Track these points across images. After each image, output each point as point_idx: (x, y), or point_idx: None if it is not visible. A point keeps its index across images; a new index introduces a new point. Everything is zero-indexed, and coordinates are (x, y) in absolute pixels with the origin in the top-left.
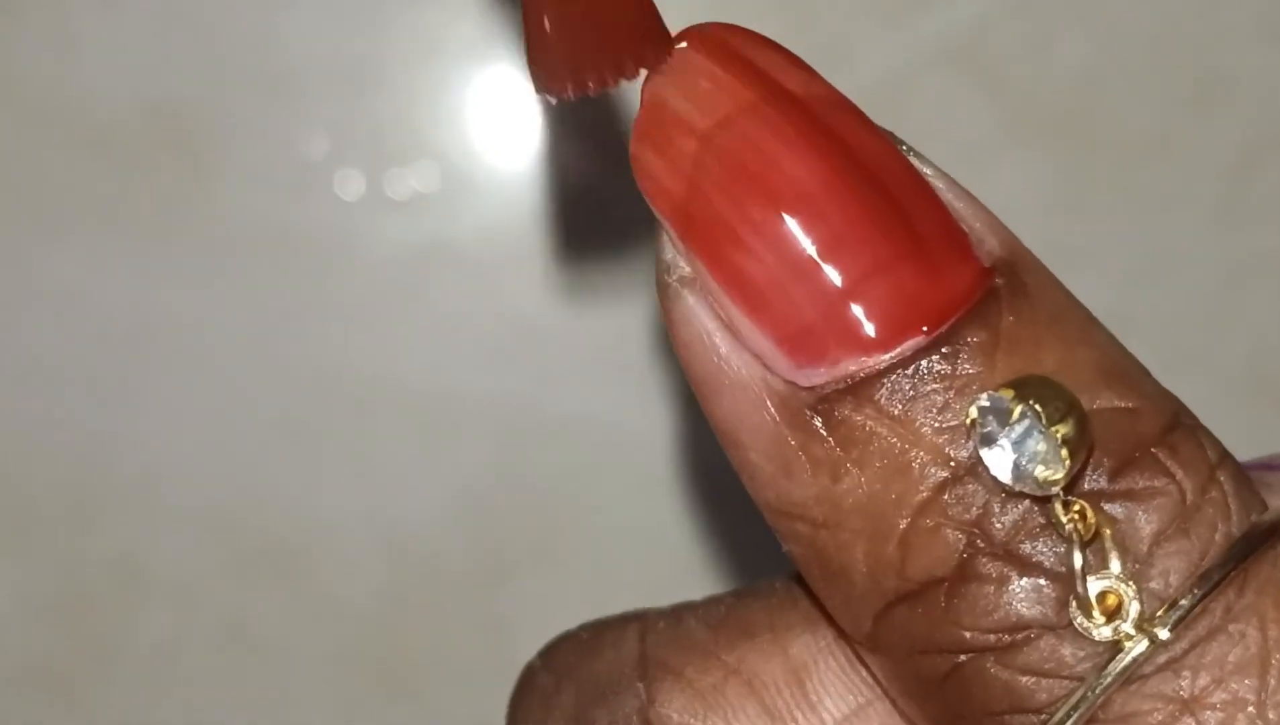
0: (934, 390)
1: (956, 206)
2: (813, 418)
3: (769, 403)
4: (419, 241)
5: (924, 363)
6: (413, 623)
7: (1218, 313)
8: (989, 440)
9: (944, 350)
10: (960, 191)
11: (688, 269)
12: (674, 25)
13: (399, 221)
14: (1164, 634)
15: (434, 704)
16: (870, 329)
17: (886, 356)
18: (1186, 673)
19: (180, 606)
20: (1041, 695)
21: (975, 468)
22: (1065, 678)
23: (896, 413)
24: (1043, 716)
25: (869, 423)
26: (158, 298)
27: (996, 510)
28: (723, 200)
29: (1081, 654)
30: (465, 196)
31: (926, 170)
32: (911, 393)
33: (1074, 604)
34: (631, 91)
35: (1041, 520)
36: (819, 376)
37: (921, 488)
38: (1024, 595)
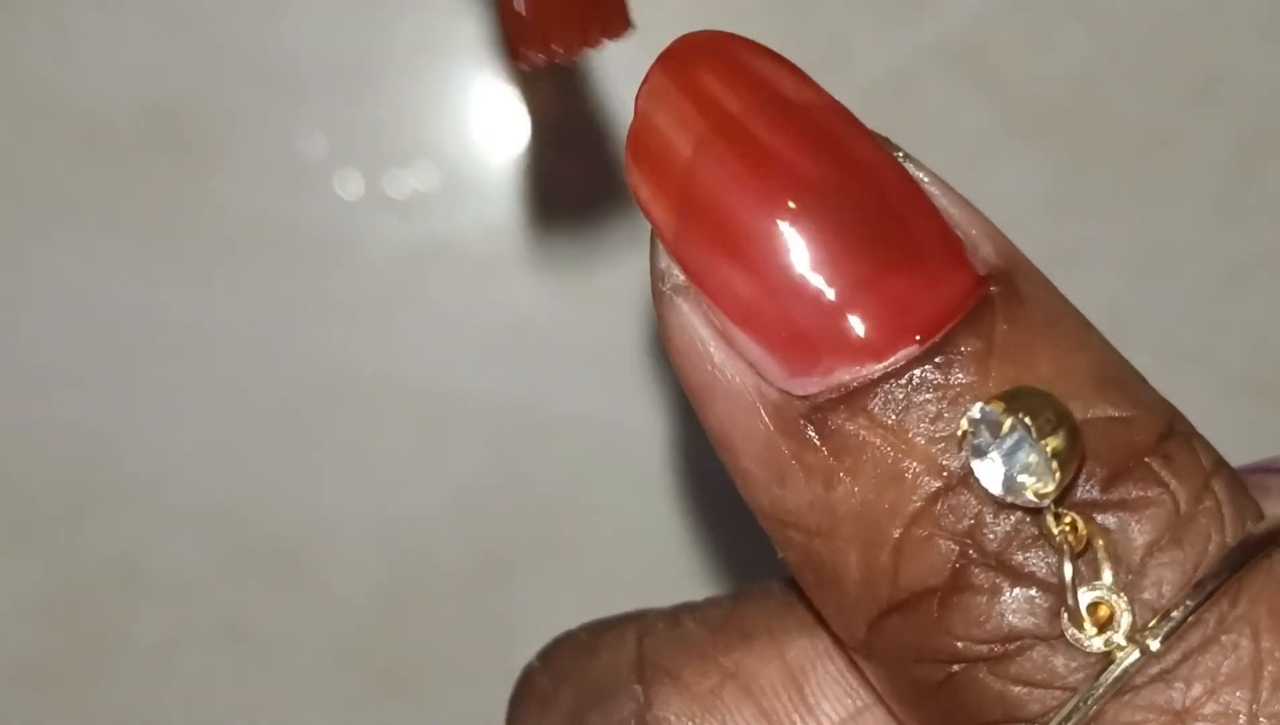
0: (927, 400)
1: (952, 213)
2: (806, 426)
3: (762, 411)
4: (418, 241)
5: (917, 372)
6: (411, 622)
7: (1218, 311)
8: (980, 452)
9: (937, 359)
10: (956, 197)
11: (681, 277)
12: (677, 27)
13: (398, 221)
14: (1156, 645)
15: (432, 704)
16: (863, 338)
17: (880, 366)
18: (1179, 684)
19: (179, 605)
20: (1034, 705)
21: (968, 478)
22: (1058, 688)
23: (890, 422)
24: None
25: (862, 432)
26: (156, 296)
27: (989, 520)
28: (712, 212)
29: (1074, 664)
30: (465, 196)
31: (922, 176)
32: (905, 402)
33: (1065, 615)
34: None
35: (1034, 531)
36: (812, 385)
37: (914, 497)
38: (1016, 606)
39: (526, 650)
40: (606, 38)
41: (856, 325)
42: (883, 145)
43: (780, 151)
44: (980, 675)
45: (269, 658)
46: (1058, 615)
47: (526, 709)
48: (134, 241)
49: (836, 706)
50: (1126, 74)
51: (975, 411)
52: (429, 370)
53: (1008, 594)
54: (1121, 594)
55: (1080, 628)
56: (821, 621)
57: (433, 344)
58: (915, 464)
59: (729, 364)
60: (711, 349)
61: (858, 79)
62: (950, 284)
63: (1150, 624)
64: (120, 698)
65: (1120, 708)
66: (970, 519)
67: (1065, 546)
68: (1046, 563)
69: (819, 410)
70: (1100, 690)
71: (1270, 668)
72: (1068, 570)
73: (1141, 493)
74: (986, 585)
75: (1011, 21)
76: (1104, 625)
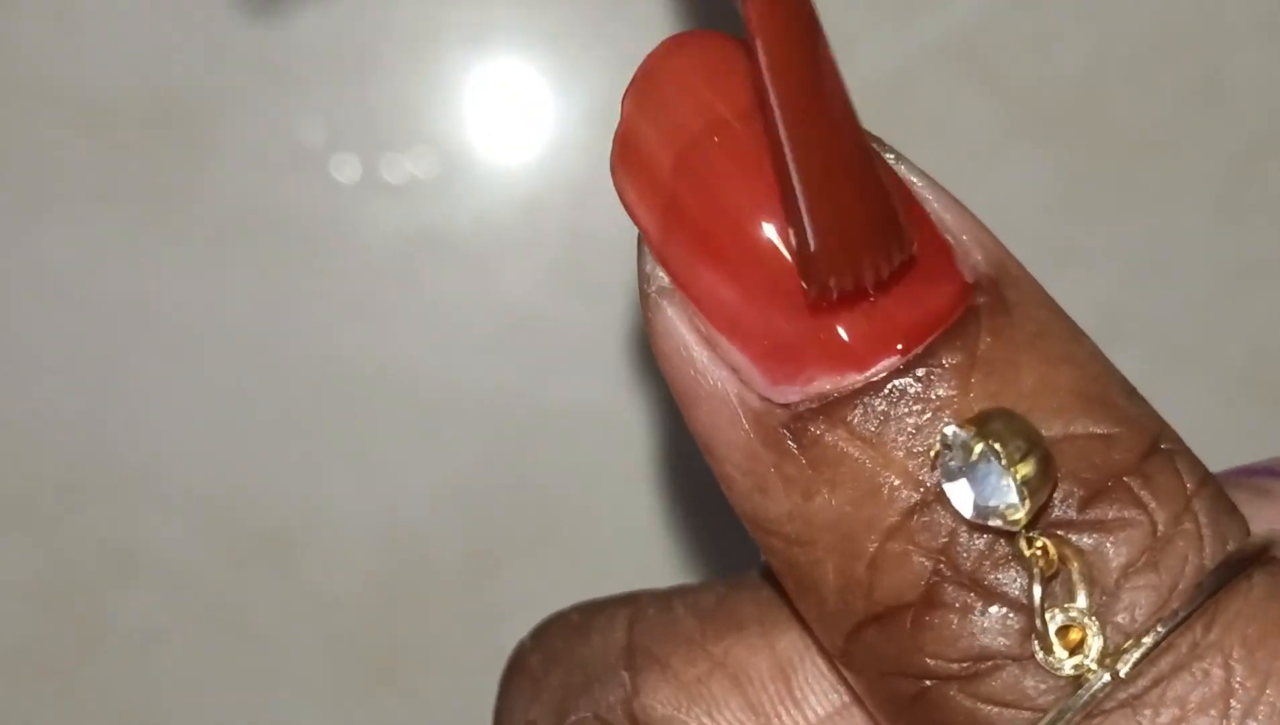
0: (907, 413)
1: (944, 218)
2: (786, 435)
3: (744, 418)
4: (415, 228)
5: (898, 384)
6: (403, 612)
7: (1218, 311)
8: (952, 474)
9: (919, 372)
10: (949, 201)
11: (667, 281)
12: (672, 26)
13: (395, 207)
14: (1125, 670)
15: (423, 692)
16: (845, 347)
17: (861, 376)
18: (1148, 710)
19: (170, 593)
20: None
21: (943, 495)
22: (1027, 709)
23: (868, 434)
24: None
25: (841, 443)
26: (153, 282)
27: (963, 539)
28: (697, 218)
29: (1044, 686)
30: (462, 184)
31: (914, 179)
32: (884, 414)
33: (1036, 637)
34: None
35: (1008, 550)
36: (794, 393)
37: (891, 512)
38: (988, 625)
39: (516, 639)
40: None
41: (838, 334)
42: (875, 146)
43: (760, 160)
44: (952, 693)
45: (260, 646)
46: (1029, 636)
47: (517, 687)
48: (132, 225)
49: (823, 701)
50: (1128, 75)
51: (948, 432)
52: (424, 359)
53: (979, 613)
54: (1094, 617)
55: (1050, 650)
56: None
57: (428, 333)
58: (893, 478)
59: (712, 369)
60: (695, 354)
61: (860, 76)
62: (936, 293)
63: (1122, 649)
64: (111, 683)
65: None
66: (945, 536)
67: (1036, 569)
68: (1019, 583)
69: (799, 419)
70: (1069, 714)
71: (1239, 697)
72: (1037, 593)
73: (1119, 514)
74: (959, 604)
75: (1013, 21)
76: (1075, 648)
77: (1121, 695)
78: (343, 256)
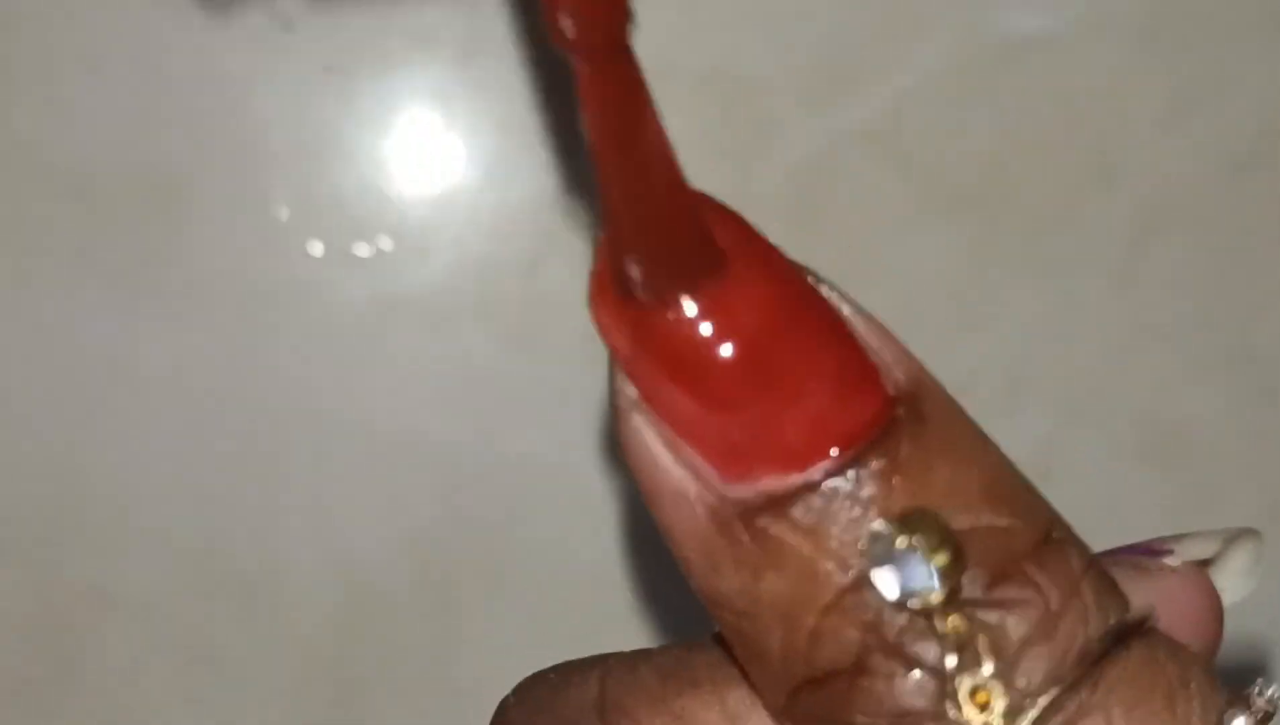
0: (840, 508)
1: (870, 341)
2: (737, 526)
3: (701, 511)
4: (377, 293)
5: (831, 484)
6: (364, 648)
7: (1112, 374)
8: (879, 563)
9: (849, 473)
10: (874, 326)
11: (635, 394)
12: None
13: (359, 275)
14: None
15: (381, 722)
16: (788, 452)
17: (800, 477)
18: None
19: (146, 628)
20: None
21: (871, 581)
22: None
23: (808, 526)
24: None
25: (784, 534)
26: (131, 339)
27: (888, 616)
28: (660, 346)
29: None
30: (421, 253)
31: (845, 308)
32: (821, 510)
33: (949, 699)
34: None
35: (926, 625)
36: (744, 491)
37: (827, 592)
38: (910, 689)
39: (471, 676)
40: None
41: (783, 440)
42: (808, 280)
43: (719, 297)
44: None
45: (229, 680)
46: (944, 698)
47: None
48: (113, 286)
49: None
50: (1031, 155)
51: (876, 527)
52: (383, 413)
53: (902, 678)
54: (998, 681)
55: (961, 710)
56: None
57: (388, 389)
58: (828, 564)
59: (674, 470)
60: (659, 457)
61: (784, 159)
62: (863, 406)
63: (1022, 707)
64: (89, 715)
65: None
66: (872, 614)
67: (950, 640)
68: (935, 653)
69: (748, 512)
70: None
71: None
72: (950, 661)
73: (1018, 594)
74: (885, 670)
75: (925, 107)
76: (983, 708)
77: None
78: (309, 318)
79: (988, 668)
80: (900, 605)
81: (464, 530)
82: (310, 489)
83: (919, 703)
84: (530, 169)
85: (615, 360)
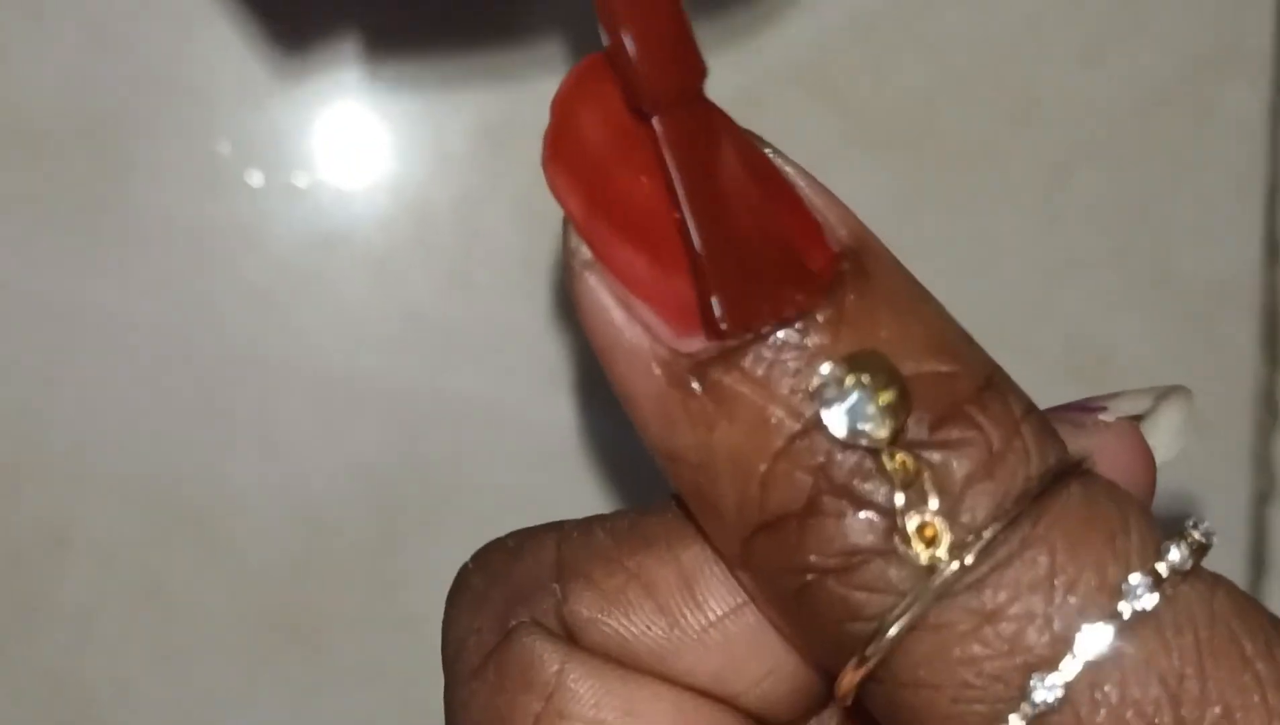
0: (789, 358)
1: (813, 201)
2: (691, 380)
3: (655, 367)
4: (321, 233)
5: (781, 335)
6: (316, 583)
7: (1037, 304)
8: (828, 403)
9: (797, 325)
10: (817, 187)
11: (589, 254)
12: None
13: (302, 214)
14: (970, 559)
15: (336, 655)
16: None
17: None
18: (988, 590)
19: (102, 569)
20: (872, 608)
21: (820, 423)
22: (892, 594)
23: (758, 376)
24: (873, 624)
25: (736, 385)
26: (81, 285)
27: (837, 458)
28: (616, 206)
29: (905, 575)
30: (359, 191)
31: (788, 169)
32: (770, 360)
33: (898, 535)
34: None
35: (873, 465)
36: (696, 345)
37: (777, 439)
38: (858, 527)
39: (420, 606)
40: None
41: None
42: (754, 142)
43: (662, 164)
44: (829, 583)
45: (185, 617)
46: (892, 535)
47: (462, 603)
48: (61, 235)
49: (721, 603)
50: (956, 92)
51: (824, 370)
52: (331, 353)
53: (851, 517)
54: (944, 517)
55: (909, 545)
56: (708, 536)
57: (332, 328)
58: (779, 411)
59: (627, 327)
60: (613, 315)
61: (711, 95)
62: (809, 262)
63: (966, 542)
64: (47, 655)
65: (941, 610)
66: (822, 456)
67: (897, 479)
68: (883, 492)
69: (701, 366)
70: (925, 595)
71: (1061, 578)
72: (899, 498)
73: (961, 434)
74: (834, 511)
75: (852, 45)
76: (930, 543)
77: (968, 580)
78: (254, 257)
79: (934, 504)
80: (849, 445)
81: (411, 466)
82: (260, 428)
83: (868, 539)
84: (471, 102)
85: (570, 221)
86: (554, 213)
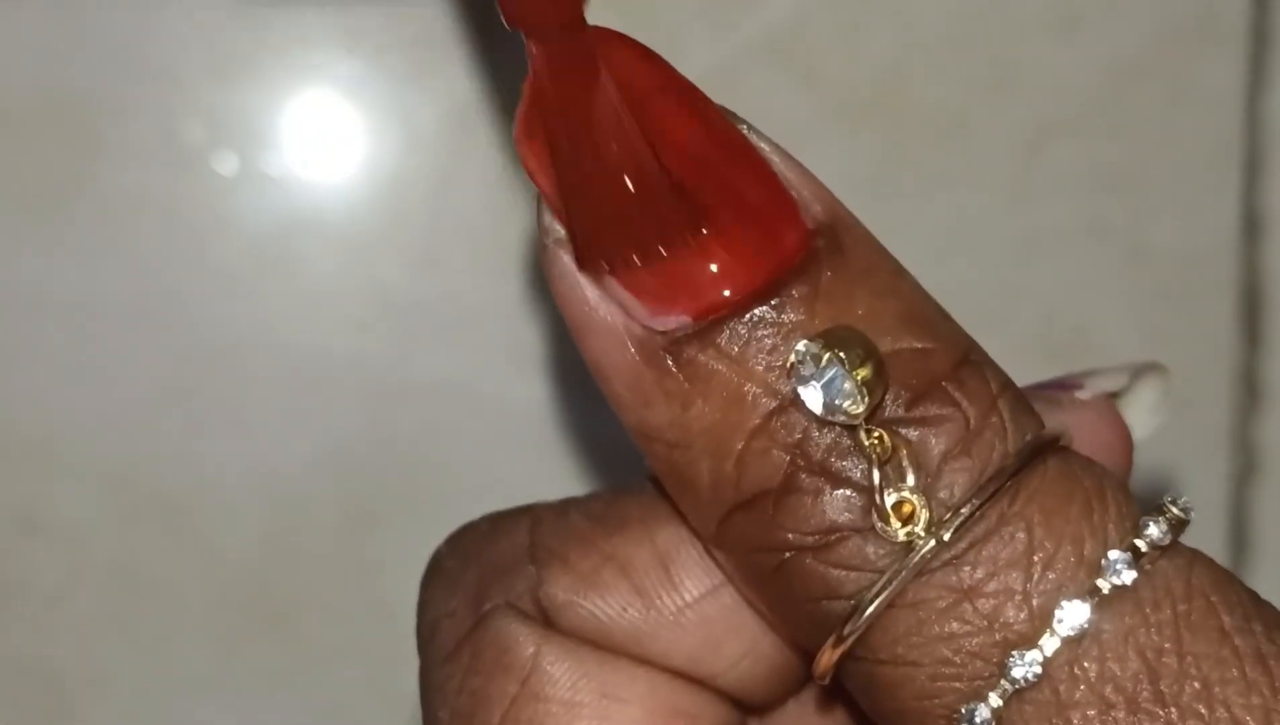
0: (764, 335)
1: (788, 176)
2: (665, 357)
3: (630, 344)
4: (290, 216)
5: (756, 311)
6: (287, 567)
7: (1011, 279)
8: (805, 380)
9: (773, 301)
10: (792, 162)
11: (563, 231)
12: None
13: (271, 197)
14: (948, 536)
15: (307, 639)
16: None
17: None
18: (966, 567)
19: (73, 553)
20: (849, 585)
21: (797, 400)
22: (869, 571)
23: (733, 353)
24: (851, 602)
25: (711, 362)
26: (50, 265)
27: (813, 435)
28: (588, 184)
29: (882, 552)
30: (331, 174)
31: (762, 145)
32: (746, 337)
33: (875, 512)
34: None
35: (850, 443)
36: (670, 322)
37: (753, 416)
38: (835, 504)
39: (392, 590)
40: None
41: (706, 272)
42: (729, 118)
43: (638, 138)
44: (807, 561)
45: (156, 600)
46: (869, 512)
47: (436, 585)
48: (30, 214)
49: (697, 584)
50: (928, 66)
51: (800, 346)
52: (302, 335)
53: (828, 495)
54: (921, 494)
55: (887, 522)
56: (684, 515)
57: (303, 310)
58: (754, 388)
59: (601, 305)
60: (587, 293)
61: (686, 70)
62: (785, 237)
63: (944, 519)
64: (19, 639)
65: (919, 587)
66: (798, 434)
67: (874, 456)
68: (860, 469)
69: (676, 343)
70: (903, 573)
71: (1039, 554)
72: (876, 475)
73: (938, 411)
74: (811, 488)
75: (825, 19)
76: (907, 520)
77: (945, 556)
78: (223, 239)
79: (911, 481)
80: (825, 421)
81: (383, 449)
82: (231, 412)
83: (845, 517)
84: (441, 85)
85: (543, 199)
86: (525, 193)
